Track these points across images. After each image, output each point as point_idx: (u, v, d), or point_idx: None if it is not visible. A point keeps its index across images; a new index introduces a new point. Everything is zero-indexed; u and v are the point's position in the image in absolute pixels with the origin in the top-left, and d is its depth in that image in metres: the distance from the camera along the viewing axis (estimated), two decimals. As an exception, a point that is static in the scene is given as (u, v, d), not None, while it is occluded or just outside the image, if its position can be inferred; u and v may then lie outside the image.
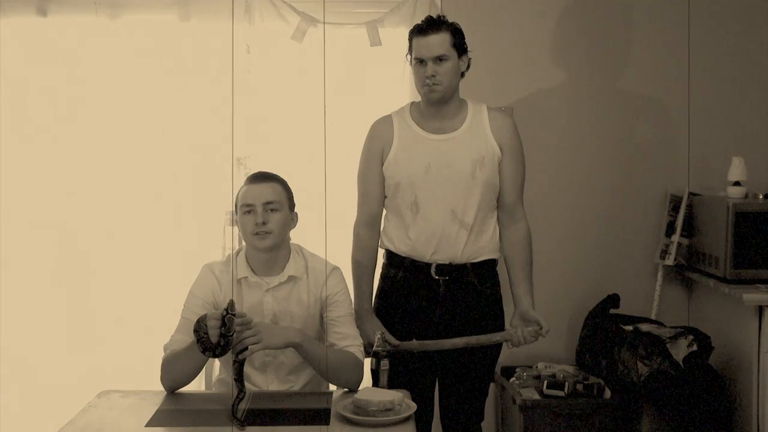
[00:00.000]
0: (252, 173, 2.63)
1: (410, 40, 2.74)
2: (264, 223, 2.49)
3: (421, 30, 2.70)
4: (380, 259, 2.88)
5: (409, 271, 2.78)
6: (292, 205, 2.59)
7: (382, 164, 2.78)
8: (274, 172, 2.62)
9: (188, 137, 3.54)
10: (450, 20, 2.74)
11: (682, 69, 3.65)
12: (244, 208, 2.52)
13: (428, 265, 2.75)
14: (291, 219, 2.58)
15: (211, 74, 3.50)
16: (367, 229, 2.84)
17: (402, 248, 2.79)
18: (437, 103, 2.73)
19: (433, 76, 2.67)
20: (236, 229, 2.62)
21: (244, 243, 2.61)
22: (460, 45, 2.72)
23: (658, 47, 3.65)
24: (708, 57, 3.66)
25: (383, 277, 2.87)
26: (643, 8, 3.64)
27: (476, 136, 2.74)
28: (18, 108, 3.54)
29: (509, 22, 3.63)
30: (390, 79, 3.54)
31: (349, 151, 3.50)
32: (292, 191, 2.61)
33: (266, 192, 2.52)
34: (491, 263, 2.82)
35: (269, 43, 3.52)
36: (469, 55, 2.76)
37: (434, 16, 2.75)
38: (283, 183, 2.59)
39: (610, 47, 3.66)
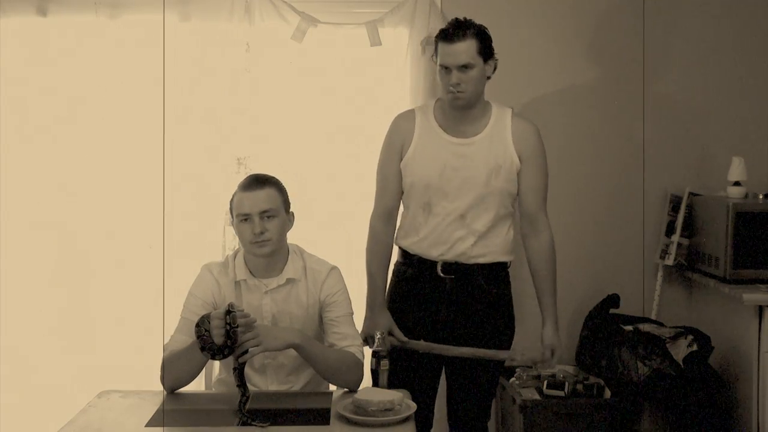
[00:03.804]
0: (244, 178, 2.59)
1: (436, 43, 2.70)
2: (262, 233, 2.47)
3: (447, 36, 2.65)
4: (396, 255, 2.89)
5: (418, 268, 2.79)
6: (287, 206, 2.57)
7: (401, 159, 2.78)
8: (269, 174, 2.59)
9: (188, 137, 3.53)
10: (478, 23, 2.70)
11: (682, 69, 3.66)
12: (241, 217, 2.50)
13: (435, 263, 2.75)
14: (288, 221, 2.57)
15: (211, 74, 3.49)
16: (383, 222, 2.84)
17: (411, 246, 2.80)
18: (461, 109, 2.72)
19: (457, 84, 2.64)
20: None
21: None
22: (486, 51, 2.68)
23: (659, 47, 3.64)
24: (708, 57, 3.66)
25: (395, 272, 2.88)
26: (644, 9, 3.64)
27: (495, 143, 2.73)
28: (18, 108, 3.54)
29: (509, 23, 3.62)
30: (390, 79, 3.53)
31: (349, 152, 3.52)
32: (287, 192, 2.59)
33: (261, 200, 2.49)
34: (501, 265, 2.80)
35: (269, 43, 3.52)
36: (496, 57, 2.72)
37: (461, 18, 2.71)
38: (277, 185, 2.55)
39: (611, 47, 3.66)
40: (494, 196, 2.72)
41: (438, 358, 2.79)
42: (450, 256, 2.74)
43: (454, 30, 2.65)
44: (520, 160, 2.73)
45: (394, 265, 2.89)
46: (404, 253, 2.83)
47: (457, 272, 2.75)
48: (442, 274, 2.75)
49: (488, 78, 2.73)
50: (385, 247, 2.84)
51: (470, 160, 2.71)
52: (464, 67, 2.63)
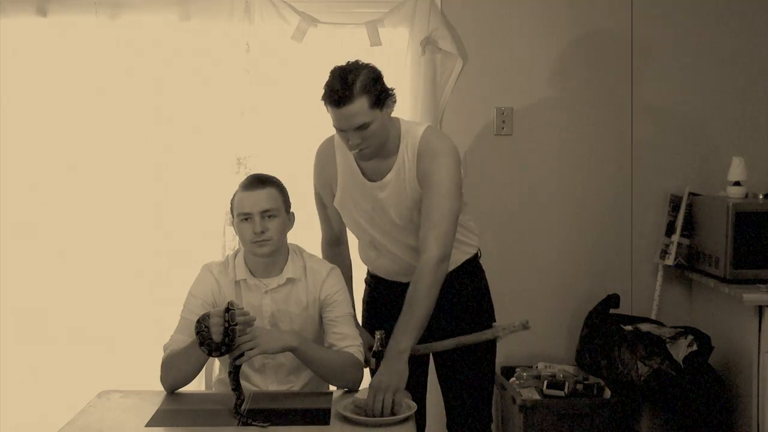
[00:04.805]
0: (245, 178, 2.59)
1: (324, 100, 2.41)
2: (263, 232, 2.46)
3: (333, 101, 2.36)
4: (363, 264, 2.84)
5: (388, 283, 2.74)
6: (288, 206, 2.56)
7: (333, 195, 2.67)
8: (269, 173, 2.59)
9: (188, 137, 3.53)
10: (363, 64, 2.44)
11: (682, 69, 3.66)
12: (241, 216, 2.49)
13: (406, 283, 2.63)
14: (288, 221, 2.57)
15: (211, 74, 3.49)
16: (332, 247, 2.80)
17: (376, 272, 2.76)
18: (370, 159, 2.52)
19: (358, 143, 2.42)
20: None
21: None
22: (381, 97, 2.41)
23: (659, 48, 3.64)
24: (708, 57, 3.66)
25: (366, 282, 2.85)
26: (644, 11, 3.64)
27: (404, 180, 2.53)
28: (17, 108, 3.54)
29: (510, 23, 3.62)
30: (390, 80, 3.51)
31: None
32: (288, 192, 2.58)
33: (262, 199, 2.48)
34: (468, 262, 2.72)
35: (269, 43, 3.51)
36: (392, 93, 2.46)
37: (344, 72, 2.39)
38: (278, 185, 2.55)
39: (612, 48, 3.66)
40: None
41: (424, 363, 2.72)
42: None
43: (340, 94, 2.34)
44: (420, 183, 2.50)
45: (366, 274, 2.84)
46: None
47: None
48: None
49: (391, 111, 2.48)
50: (341, 268, 2.71)
51: (388, 206, 2.56)
52: (360, 128, 2.39)
